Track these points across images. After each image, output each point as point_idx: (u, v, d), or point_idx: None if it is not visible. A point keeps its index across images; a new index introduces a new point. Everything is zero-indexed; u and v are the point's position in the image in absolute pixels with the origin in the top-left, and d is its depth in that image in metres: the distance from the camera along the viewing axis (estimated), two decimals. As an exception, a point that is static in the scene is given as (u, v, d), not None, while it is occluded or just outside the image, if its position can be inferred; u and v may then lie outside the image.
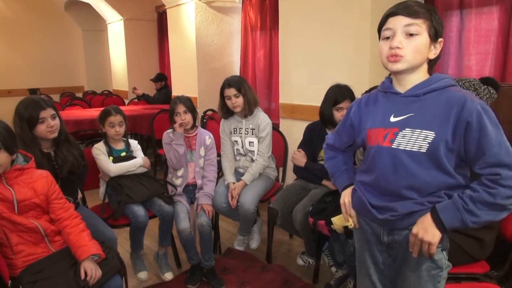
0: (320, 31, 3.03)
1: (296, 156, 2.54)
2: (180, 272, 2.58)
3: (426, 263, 1.24)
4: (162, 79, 5.82)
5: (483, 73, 2.65)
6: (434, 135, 1.14)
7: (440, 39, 1.19)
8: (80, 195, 2.27)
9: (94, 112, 4.86)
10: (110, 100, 6.44)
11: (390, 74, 1.29)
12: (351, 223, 1.47)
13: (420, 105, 1.19)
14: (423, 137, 1.16)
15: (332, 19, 2.93)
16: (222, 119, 2.76)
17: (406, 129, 1.19)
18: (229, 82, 2.59)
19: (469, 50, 2.73)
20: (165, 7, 5.28)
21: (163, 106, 4.93)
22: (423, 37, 1.16)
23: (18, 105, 1.94)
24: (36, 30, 7.72)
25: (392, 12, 1.18)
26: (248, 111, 2.62)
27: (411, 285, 1.28)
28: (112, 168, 2.34)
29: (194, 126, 2.56)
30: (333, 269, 2.47)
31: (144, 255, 2.51)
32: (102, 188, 2.44)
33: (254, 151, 2.67)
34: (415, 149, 1.17)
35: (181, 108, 2.43)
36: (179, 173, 2.55)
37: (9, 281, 1.53)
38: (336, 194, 1.68)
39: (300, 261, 2.66)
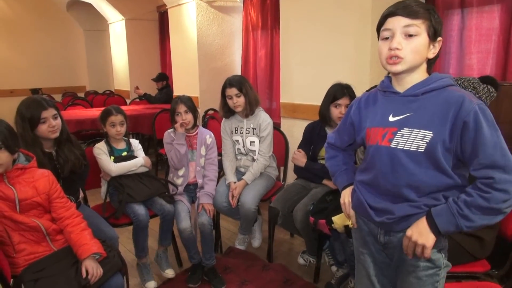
0: (321, 30, 3.03)
1: (296, 157, 2.54)
2: (181, 271, 2.58)
3: (423, 264, 1.24)
4: (164, 78, 5.84)
5: (484, 72, 2.65)
6: (432, 135, 1.14)
7: (439, 38, 1.19)
8: (81, 194, 2.28)
9: (95, 112, 4.88)
10: (111, 99, 6.45)
11: (389, 73, 1.30)
12: (351, 223, 1.48)
13: (418, 104, 1.19)
14: (421, 137, 1.16)
15: (333, 18, 2.93)
16: (223, 119, 2.77)
17: (404, 128, 1.19)
18: (231, 82, 2.59)
19: (470, 49, 2.73)
20: (167, 7, 5.29)
21: (164, 106, 4.94)
22: (422, 38, 1.15)
23: (20, 105, 1.95)
24: (38, 30, 7.75)
25: (391, 12, 1.18)
26: (249, 110, 2.62)
27: (410, 287, 1.29)
28: (113, 167, 2.34)
29: (195, 125, 2.56)
30: (334, 268, 2.48)
31: (150, 264, 2.48)
32: (104, 188, 2.45)
33: (255, 150, 2.68)
34: (413, 148, 1.17)
35: (182, 108, 2.44)
36: (180, 172, 2.55)
37: (11, 280, 1.53)
38: (337, 194, 1.68)
39: (301, 260, 2.66)
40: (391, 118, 1.23)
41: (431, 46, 1.18)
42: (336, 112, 2.32)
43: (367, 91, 1.80)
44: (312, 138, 2.53)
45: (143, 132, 4.97)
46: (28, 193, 1.60)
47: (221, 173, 2.77)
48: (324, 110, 2.38)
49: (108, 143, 2.43)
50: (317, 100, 2.48)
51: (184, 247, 2.42)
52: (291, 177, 2.87)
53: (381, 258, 1.37)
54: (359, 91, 2.21)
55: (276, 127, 2.94)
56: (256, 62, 4.70)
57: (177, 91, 5.38)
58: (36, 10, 7.67)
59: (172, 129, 2.54)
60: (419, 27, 1.14)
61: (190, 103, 2.48)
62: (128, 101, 6.59)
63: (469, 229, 1.13)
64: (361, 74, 2.76)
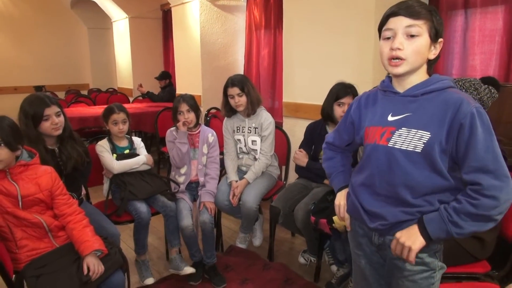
0: (324, 30, 3.03)
1: (298, 156, 2.55)
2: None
3: (418, 267, 1.24)
4: (167, 77, 5.85)
5: (487, 73, 2.64)
6: (429, 135, 1.15)
7: (440, 40, 1.19)
8: (84, 191, 2.29)
9: (98, 110, 4.89)
10: (114, 97, 6.47)
11: (389, 73, 1.30)
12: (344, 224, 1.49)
13: (417, 105, 1.19)
14: (418, 137, 1.16)
15: (336, 18, 2.93)
16: (225, 118, 2.77)
17: (402, 128, 1.20)
18: (233, 81, 2.59)
19: (474, 49, 2.73)
20: (170, 6, 5.29)
21: (167, 104, 4.95)
22: (424, 38, 1.15)
23: (23, 102, 1.96)
24: (42, 28, 7.78)
25: (393, 12, 1.17)
26: (251, 110, 2.62)
27: None
28: (116, 165, 2.35)
29: (197, 124, 2.57)
30: (333, 267, 2.48)
31: (149, 261, 2.49)
32: (106, 185, 2.46)
33: (256, 149, 2.68)
34: (410, 148, 1.17)
35: (184, 107, 2.45)
36: (182, 170, 2.56)
37: (13, 275, 1.55)
38: (338, 193, 1.69)
39: (301, 260, 2.67)
40: (390, 118, 1.24)
41: (432, 47, 1.18)
42: (339, 110, 2.32)
43: None
44: (314, 138, 2.54)
45: (145, 130, 4.98)
46: (30, 189, 1.61)
47: (222, 171, 2.77)
48: (327, 108, 2.38)
49: (111, 141, 2.44)
50: (320, 100, 2.48)
51: (186, 245, 2.43)
52: (293, 176, 2.87)
53: (376, 259, 1.38)
54: (361, 91, 2.21)
55: (278, 126, 2.95)
56: (259, 61, 4.70)
57: (180, 89, 5.39)
58: (41, 8, 7.70)
59: (174, 128, 2.55)
60: (421, 27, 1.14)
61: (193, 102, 2.49)
62: (131, 99, 6.60)
63: (460, 236, 1.13)
64: (364, 74, 2.76)
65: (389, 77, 1.30)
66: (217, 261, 2.47)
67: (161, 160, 4.49)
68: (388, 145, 1.21)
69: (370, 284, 1.43)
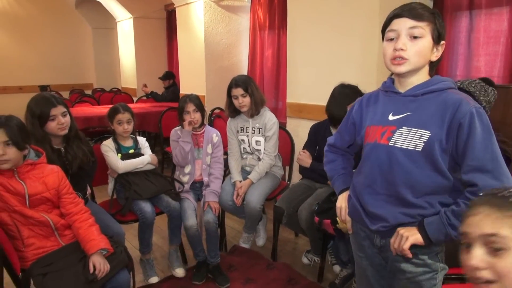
0: (328, 31, 3.03)
1: (301, 157, 2.55)
2: (186, 268, 2.60)
3: (420, 268, 1.26)
4: (171, 77, 5.87)
5: (492, 74, 2.64)
6: (429, 134, 1.16)
7: (442, 42, 1.21)
8: (89, 190, 2.31)
9: (103, 109, 4.92)
10: (118, 97, 6.49)
11: (392, 74, 1.31)
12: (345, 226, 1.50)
13: (418, 105, 1.21)
14: (419, 136, 1.18)
15: (340, 19, 2.93)
16: (229, 118, 2.78)
17: (403, 127, 1.21)
18: (236, 82, 2.60)
19: (478, 51, 2.72)
20: (174, 6, 5.31)
21: (171, 104, 4.97)
22: (427, 40, 1.17)
23: (30, 102, 1.98)
24: (47, 28, 7.82)
25: (397, 14, 1.19)
26: (254, 110, 2.63)
27: None
28: (120, 165, 2.37)
29: (202, 124, 2.58)
30: (336, 267, 2.49)
31: (153, 260, 2.50)
32: (111, 185, 2.48)
33: (260, 150, 2.69)
34: (411, 147, 1.19)
35: (190, 107, 2.46)
36: (186, 170, 2.57)
37: (20, 273, 1.56)
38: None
39: (305, 260, 2.67)
40: (390, 117, 1.25)
41: (435, 49, 1.20)
42: None
43: None
44: (318, 139, 2.54)
45: (149, 130, 5.00)
46: (37, 188, 1.63)
47: (226, 171, 2.78)
48: (341, 111, 2.23)
49: (116, 141, 2.45)
50: (323, 100, 2.48)
51: (190, 245, 2.44)
52: (297, 176, 2.88)
53: (378, 261, 1.39)
54: (366, 92, 2.21)
55: (282, 126, 2.95)
56: (262, 61, 4.71)
57: (184, 89, 5.40)
58: (45, 8, 7.74)
59: (179, 127, 2.56)
60: (424, 29, 1.16)
61: (199, 102, 2.50)
62: (135, 99, 6.62)
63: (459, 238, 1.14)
64: (368, 75, 2.76)
65: (391, 79, 1.32)
66: (220, 260, 2.48)
67: (165, 159, 4.51)
68: (389, 144, 1.23)
69: (372, 286, 1.44)
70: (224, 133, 2.78)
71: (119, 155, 2.42)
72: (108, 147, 2.40)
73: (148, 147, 2.59)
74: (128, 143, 2.49)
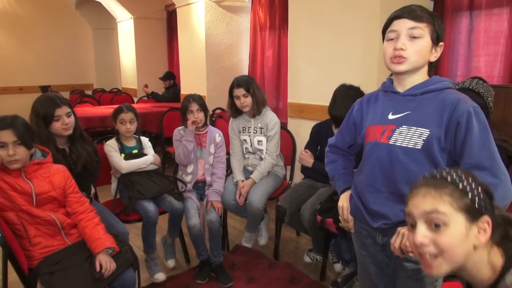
0: (329, 31, 3.05)
1: (303, 157, 2.57)
2: (189, 267, 2.62)
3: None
4: (171, 77, 5.88)
5: (492, 74, 2.66)
6: (428, 132, 1.19)
7: (441, 43, 1.24)
8: (93, 190, 2.32)
9: (104, 110, 4.93)
10: (119, 98, 6.50)
11: (391, 75, 1.34)
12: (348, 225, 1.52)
13: (417, 104, 1.24)
14: (418, 134, 1.21)
15: (341, 19, 2.95)
16: (231, 118, 2.80)
17: (403, 126, 1.24)
18: (238, 82, 2.62)
19: (478, 51, 2.74)
20: (175, 6, 5.32)
21: (171, 104, 4.98)
22: (426, 40, 1.20)
23: (35, 102, 2.00)
24: (47, 29, 7.82)
25: (397, 15, 1.23)
26: (256, 110, 2.65)
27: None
28: (124, 165, 2.38)
29: (205, 124, 2.60)
30: (337, 266, 2.52)
31: (157, 258, 2.52)
32: (114, 184, 2.49)
33: (262, 149, 2.70)
34: (410, 145, 1.22)
35: (194, 106, 2.48)
36: (189, 169, 2.59)
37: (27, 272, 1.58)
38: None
39: (307, 259, 2.69)
40: (390, 116, 1.28)
41: (433, 50, 1.23)
42: None
43: None
44: (319, 139, 2.56)
45: (150, 130, 5.01)
46: (44, 187, 1.64)
47: (228, 171, 2.80)
48: (343, 112, 2.30)
49: (119, 141, 2.47)
50: (324, 100, 2.50)
51: (193, 244, 2.46)
52: (298, 176, 2.90)
53: (381, 258, 1.42)
54: (367, 92, 2.23)
55: (284, 126, 2.97)
56: (263, 62, 4.72)
57: (185, 90, 5.42)
58: (45, 8, 7.74)
59: (182, 127, 2.58)
60: (423, 30, 1.19)
61: (202, 102, 2.52)
62: (135, 99, 6.63)
63: None
64: (369, 75, 2.78)
65: (390, 79, 1.35)
66: (223, 260, 2.50)
67: (166, 160, 4.52)
68: (389, 142, 1.25)
69: (375, 284, 1.46)
70: (226, 133, 2.80)
71: (122, 155, 2.43)
72: (111, 147, 2.41)
73: (151, 147, 2.60)
74: (132, 143, 2.51)
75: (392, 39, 1.23)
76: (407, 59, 1.20)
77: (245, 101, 2.61)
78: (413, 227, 0.88)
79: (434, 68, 1.29)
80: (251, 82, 2.63)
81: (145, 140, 2.59)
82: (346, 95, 2.33)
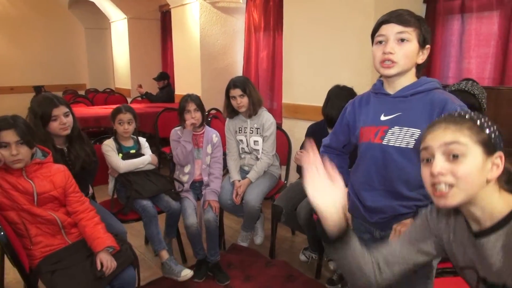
0: (324, 32, 3.10)
1: (299, 157, 2.60)
2: (186, 267, 2.63)
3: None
4: (165, 78, 5.88)
5: (482, 76, 2.73)
6: (419, 132, 1.25)
7: (427, 46, 1.29)
8: (91, 190, 2.33)
9: (98, 110, 4.92)
10: (112, 98, 6.48)
11: (380, 76, 1.39)
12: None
13: (407, 105, 1.29)
14: (410, 134, 1.27)
15: (336, 20, 2.99)
16: (228, 119, 2.82)
17: (395, 127, 1.30)
18: (235, 83, 2.65)
19: (470, 53, 2.81)
20: (170, 7, 5.33)
21: (166, 105, 4.99)
22: (413, 44, 1.25)
23: (32, 102, 2.01)
24: (39, 28, 7.77)
25: (386, 20, 1.27)
26: (252, 111, 2.68)
27: (407, 281, 1.37)
28: (122, 164, 2.40)
29: (202, 124, 2.62)
30: (332, 264, 2.55)
31: (173, 256, 2.45)
32: (111, 184, 2.50)
33: (258, 149, 2.74)
34: (403, 145, 1.27)
35: (192, 106, 2.50)
36: (186, 169, 2.61)
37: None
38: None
39: (302, 257, 2.73)
40: (382, 117, 1.33)
41: (420, 53, 1.29)
42: None
43: None
44: (315, 139, 2.58)
45: (144, 131, 5.00)
46: (46, 187, 1.66)
47: (224, 171, 2.83)
48: (337, 112, 2.34)
49: (116, 141, 2.49)
50: (319, 101, 2.54)
51: (190, 243, 2.48)
52: (293, 176, 2.94)
53: None
54: (359, 93, 2.28)
55: (279, 127, 3.01)
56: (258, 63, 4.75)
57: (179, 90, 5.43)
58: (38, 7, 7.69)
59: (179, 127, 2.60)
60: (411, 34, 1.24)
61: (199, 102, 2.55)
62: (129, 100, 6.61)
63: None
64: (363, 76, 2.83)
65: (380, 81, 1.41)
66: (220, 259, 2.52)
67: (161, 160, 4.52)
68: (383, 143, 1.31)
69: None
70: (221, 133, 2.83)
71: (120, 155, 2.45)
72: (109, 146, 2.43)
73: (148, 147, 2.62)
74: (129, 143, 2.53)
75: (381, 43, 1.28)
76: (397, 63, 1.25)
77: (241, 102, 2.64)
78: (428, 161, 0.93)
79: (421, 69, 1.34)
80: (247, 83, 2.66)
81: (142, 140, 2.61)
82: (339, 96, 2.37)
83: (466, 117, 0.91)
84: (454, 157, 0.87)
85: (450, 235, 0.99)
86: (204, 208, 2.51)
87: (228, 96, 2.70)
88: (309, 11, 3.20)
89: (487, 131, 0.88)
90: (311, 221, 2.28)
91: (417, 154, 1.24)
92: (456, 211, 0.98)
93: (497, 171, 0.88)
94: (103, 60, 8.21)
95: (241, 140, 2.78)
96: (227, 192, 2.65)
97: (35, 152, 1.68)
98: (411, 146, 1.26)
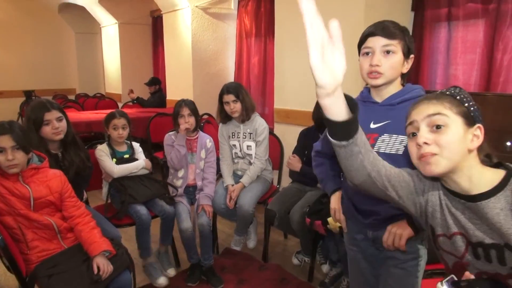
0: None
1: (292, 162, 2.65)
2: (179, 271, 2.65)
3: (409, 255, 1.39)
4: (156, 83, 5.89)
5: (469, 82, 2.80)
6: None
7: (411, 56, 1.35)
8: (85, 195, 2.34)
9: (90, 115, 4.91)
10: (103, 103, 6.47)
11: (367, 84, 1.44)
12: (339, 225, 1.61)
13: (395, 113, 1.35)
14: (399, 141, 1.32)
15: (327, 27, 3.04)
16: (221, 124, 2.86)
17: (384, 134, 1.35)
18: (228, 89, 2.69)
19: (456, 60, 2.88)
20: (161, 12, 5.35)
21: (157, 110, 4.99)
22: (398, 55, 1.31)
23: (27, 107, 2.02)
24: (29, 32, 7.73)
25: (371, 33, 1.32)
26: (245, 116, 2.72)
27: (396, 278, 1.43)
28: (116, 169, 2.41)
29: (196, 129, 2.65)
30: (325, 267, 2.59)
31: (156, 263, 2.55)
32: (105, 189, 2.51)
33: (252, 154, 2.77)
34: (393, 151, 1.32)
35: (186, 111, 2.53)
36: (180, 174, 2.64)
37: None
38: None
39: (295, 261, 2.76)
40: (372, 125, 1.38)
41: (405, 63, 1.35)
42: None
43: None
44: (307, 144, 2.64)
45: (136, 135, 4.99)
46: (42, 192, 1.67)
47: (217, 175, 2.85)
48: None
49: (110, 146, 2.50)
50: (310, 106, 2.59)
51: (184, 247, 2.50)
52: (286, 180, 2.97)
53: (370, 251, 1.51)
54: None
55: (271, 132, 3.04)
56: (249, 68, 4.80)
57: (171, 95, 5.44)
58: (28, 12, 7.65)
59: (173, 132, 2.63)
60: (396, 46, 1.30)
61: (194, 107, 2.58)
62: (120, 105, 6.60)
63: None
64: (353, 83, 2.88)
65: (367, 88, 1.46)
66: (213, 263, 2.54)
67: (153, 165, 4.51)
68: (373, 150, 1.34)
69: (366, 278, 1.55)
70: (214, 138, 2.85)
71: (114, 159, 2.46)
72: (103, 151, 2.44)
73: (142, 152, 2.64)
74: (123, 148, 2.54)
75: (367, 55, 1.33)
76: (383, 74, 1.30)
77: (234, 107, 2.67)
78: (414, 135, 1.01)
79: (405, 77, 1.40)
80: (240, 89, 2.70)
81: (136, 145, 2.63)
82: None
83: (447, 93, 1.01)
84: (437, 128, 0.95)
85: (436, 208, 1.05)
86: (197, 212, 2.53)
87: (221, 102, 2.73)
88: (300, 17, 3.24)
89: (466, 104, 0.98)
90: (304, 225, 2.31)
91: (406, 160, 1.30)
92: (443, 187, 1.03)
93: (477, 142, 0.96)
94: (93, 65, 8.17)
95: (234, 145, 2.81)
96: (220, 197, 2.67)
97: (31, 157, 1.69)
98: (400, 152, 1.31)
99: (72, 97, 7.48)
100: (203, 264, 2.51)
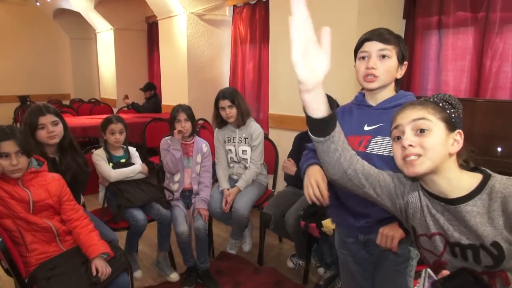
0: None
1: (287, 165, 2.69)
2: (178, 273, 2.67)
3: (401, 258, 1.44)
4: (152, 88, 5.91)
5: (459, 88, 2.87)
6: None
7: (405, 62, 1.42)
8: (82, 199, 2.36)
9: (85, 120, 4.93)
10: (98, 108, 6.47)
11: (362, 89, 1.49)
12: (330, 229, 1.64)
13: (389, 116, 1.38)
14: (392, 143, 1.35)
15: (320, 34, 3.10)
16: (217, 129, 2.90)
17: (378, 136, 1.40)
18: (224, 94, 2.73)
19: (447, 66, 2.94)
20: (157, 18, 5.40)
21: (152, 115, 5.02)
22: (393, 60, 1.37)
23: (25, 112, 2.04)
24: (24, 38, 7.73)
25: (368, 38, 1.39)
26: (241, 121, 2.76)
27: (390, 279, 1.46)
28: (113, 173, 2.44)
29: (192, 134, 2.68)
30: (320, 270, 2.63)
31: (138, 258, 2.61)
32: (102, 193, 2.54)
33: (247, 158, 2.81)
34: (386, 153, 1.37)
35: (182, 116, 2.56)
36: (176, 178, 2.66)
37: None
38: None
39: (290, 264, 2.80)
40: (366, 128, 1.43)
41: (399, 68, 1.41)
42: None
43: None
44: (302, 148, 2.67)
45: (131, 140, 5.00)
46: (41, 195, 1.69)
47: (213, 179, 2.88)
48: None
49: (107, 150, 2.52)
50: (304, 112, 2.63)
51: (180, 251, 2.52)
52: (281, 184, 3.01)
53: (361, 254, 1.55)
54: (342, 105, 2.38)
55: (266, 137, 3.09)
56: (244, 74, 4.84)
57: (166, 101, 5.47)
58: (23, 17, 7.66)
59: (169, 136, 2.66)
60: (391, 51, 1.36)
61: (190, 112, 2.62)
62: (114, 110, 6.60)
63: None
64: (346, 88, 2.94)
65: (362, 93, 1.52)
66: (209, 266, 2.57)
67: (149, 169, 4.53)
68: (367, 151, 1.40)
69: (357, 281, 1.59)
70: (210, 143, 2.89)
71: (111, 164, 2.49)
72: (99, 156, 2.46)
73: (138, 156, 2.67)
74: (119, 152, 2.57)
75: (364, 59, 1.39)
76: (378, 77, 1.36)
77: (230, 112, 2.71)
78: (399, 139, 1.07)
79: (399, 84, 1.46)
80: (236, 94, 2.75)
81: (132, 149, 2.66)
82: None
83: (430, 100, 1.09)
84: (421, 132, 1.02)
85: (416, 209, 1.11)
86: (193, 216, 2.56)
87: (217, 107, 2.78)
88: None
89: (448, 111, 1.06)
90: (299, 228, 2.35)
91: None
92: (424, 190, 1.09)
93: (457, 146, 1.03)
94: (88, 70, 8.18)
95: (230, 150, 2.85)
96: (216, 201, 2.71)
97: (30, 161, 1.71)
98: (392, 154, 1.35)
99: (66, 102, 7.48)
100: (199, 268, 2.53)
